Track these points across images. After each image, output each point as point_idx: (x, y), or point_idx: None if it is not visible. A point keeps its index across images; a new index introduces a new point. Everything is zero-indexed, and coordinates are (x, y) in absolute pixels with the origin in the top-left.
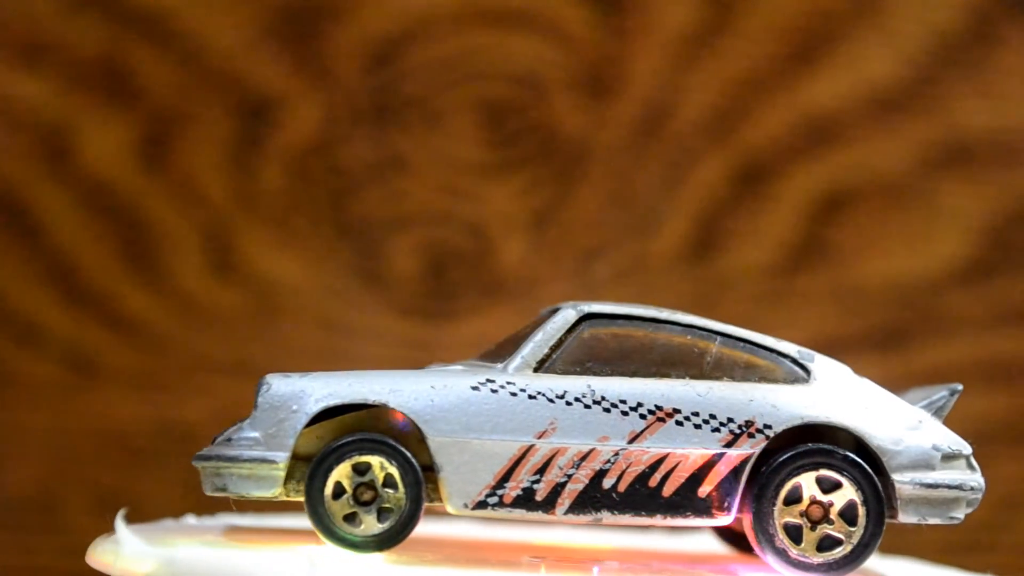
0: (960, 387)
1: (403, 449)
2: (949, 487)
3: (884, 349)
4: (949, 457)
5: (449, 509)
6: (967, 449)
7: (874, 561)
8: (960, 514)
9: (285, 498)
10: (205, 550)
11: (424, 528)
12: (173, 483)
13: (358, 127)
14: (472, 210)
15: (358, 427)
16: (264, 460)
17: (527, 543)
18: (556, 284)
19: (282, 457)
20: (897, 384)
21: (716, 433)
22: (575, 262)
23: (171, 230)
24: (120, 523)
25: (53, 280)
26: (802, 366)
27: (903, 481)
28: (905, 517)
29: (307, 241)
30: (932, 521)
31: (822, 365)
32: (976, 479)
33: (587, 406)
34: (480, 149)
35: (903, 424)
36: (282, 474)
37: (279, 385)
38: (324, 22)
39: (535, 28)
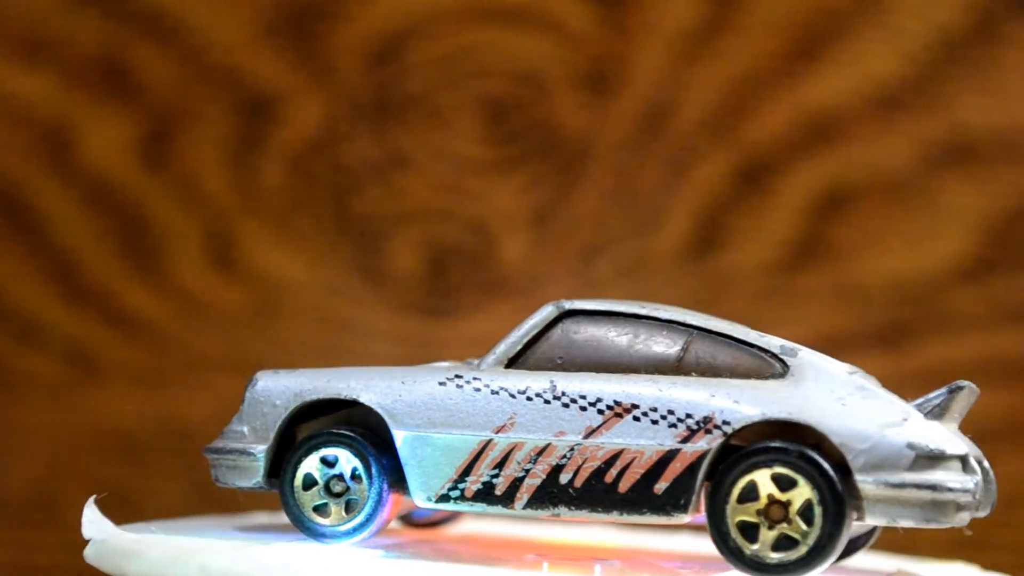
0: (962, 384)
1: (365, 443)
2: (919, 487)
3: (885, 346)
4: (930, 457)
5: (415, 502)
6: (956, 449)
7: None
8: (945, 517)
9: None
10: (149, 537)
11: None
12: (173, 479)
13: (359, 124)
14: (473, 207)
15: (352, 422)
16: (244, 452)
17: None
18: (557, 282)
19: (261, 449)
20: (898, 382)
21: (673, 429)
22: (576, 260)
23: (172, 227)
24: (90, 506)
25: (54, 277)
26: (781, 361)
27: (866, 480)
28: (873, 518)
29: (308, 238)
30: (904, 523)
31: (804, 361)
32: (960, 480)
33: (547, 401)
34: (482, 146)
35: (881, 422)
36: (261, 465)
37: (266, 381)
38: (326, 19)
39: (537, 25)
